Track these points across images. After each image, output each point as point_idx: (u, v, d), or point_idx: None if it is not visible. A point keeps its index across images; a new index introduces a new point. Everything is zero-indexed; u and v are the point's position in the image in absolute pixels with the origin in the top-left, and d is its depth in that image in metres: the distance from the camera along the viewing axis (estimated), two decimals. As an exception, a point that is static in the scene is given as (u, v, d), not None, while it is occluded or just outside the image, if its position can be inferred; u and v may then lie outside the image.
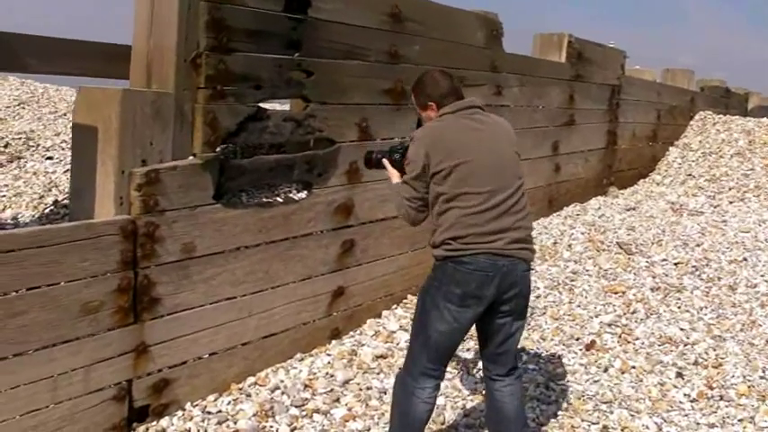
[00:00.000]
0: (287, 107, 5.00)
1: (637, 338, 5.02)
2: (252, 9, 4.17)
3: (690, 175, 10.21)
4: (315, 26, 4.60)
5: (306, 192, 4.66)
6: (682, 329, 5.11)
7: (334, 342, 4.99)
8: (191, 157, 3.99)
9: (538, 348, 4.94)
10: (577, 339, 5.03)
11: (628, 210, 8.23)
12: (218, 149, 4.09)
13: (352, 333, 5.14)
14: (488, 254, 3.30)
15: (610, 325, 5.18)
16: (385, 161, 3.71)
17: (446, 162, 3.32)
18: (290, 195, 4.55)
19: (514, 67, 6.99)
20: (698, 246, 6.71)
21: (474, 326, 3.49)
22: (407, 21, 5.42)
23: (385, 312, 5.45)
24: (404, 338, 4.83)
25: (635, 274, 6.06)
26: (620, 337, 5.04)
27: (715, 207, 8.56)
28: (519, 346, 4.52)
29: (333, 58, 4.79)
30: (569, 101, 8.23)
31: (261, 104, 4.31)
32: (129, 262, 3.68)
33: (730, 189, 9.42)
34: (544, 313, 5.43)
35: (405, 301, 5.60)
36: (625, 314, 5.36)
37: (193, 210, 3.96)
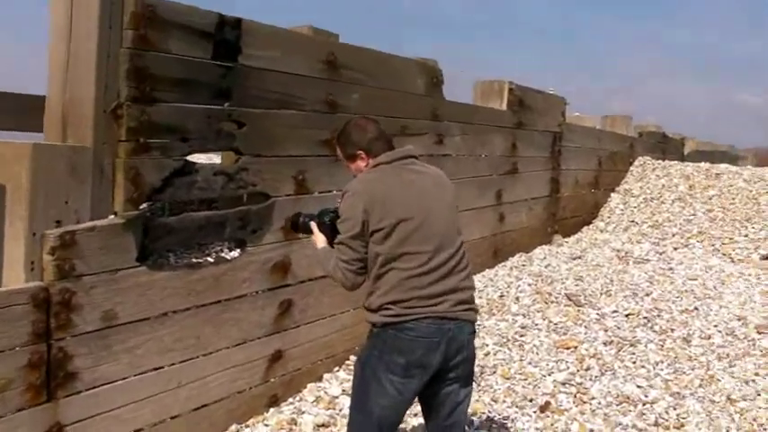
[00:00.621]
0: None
1: (593, 398, 4.76)
2: (178, 57, 3.88)
3: (632, 221, 10.19)
4: (246, 74, 4.33)
5: (239, 250, 4.35)
6: (639, 387, 4.88)
7: (272, 410, 4.62)
8: (111, 216, 3.66)
9: (490, 412, 4.65)
10: (531, 400, 4.76)
11: (574, 258, 8.08)
12: (141, 207, 3.76)
13: (291, 399, 4.78)
14: (433, 318, 3.04)
15: (564, 384, 4.93)
16: (313, 225, 3.42)
17: (387, 220, 3.06)
18: (222, 255, 4.23)
19: (456, 116, 6.79)
20: (647, 295, 6.56)
21: (417, 398, 3.21)
22: (344, 68, 5.18)
23: (326, 375, 5.11)
24: (347, 404, 4.47)
25: (586, 327, 5.84)
26: (575, 396, 4.79)
27: (660, 254, 8.48)
28: (469, 410, 4.24)
29: (266, 107, 4.51)
30: (512, 149, 8.09)
31: (189, 158, 4.01)
32: (41, 334, 3.30)
33: (674, 235, 9.40)
34: (494, 372, 5.15)
35: (347, 362, 5.26)
36: (579, 371, 5.12)
37: (114, 274, 3.61)
